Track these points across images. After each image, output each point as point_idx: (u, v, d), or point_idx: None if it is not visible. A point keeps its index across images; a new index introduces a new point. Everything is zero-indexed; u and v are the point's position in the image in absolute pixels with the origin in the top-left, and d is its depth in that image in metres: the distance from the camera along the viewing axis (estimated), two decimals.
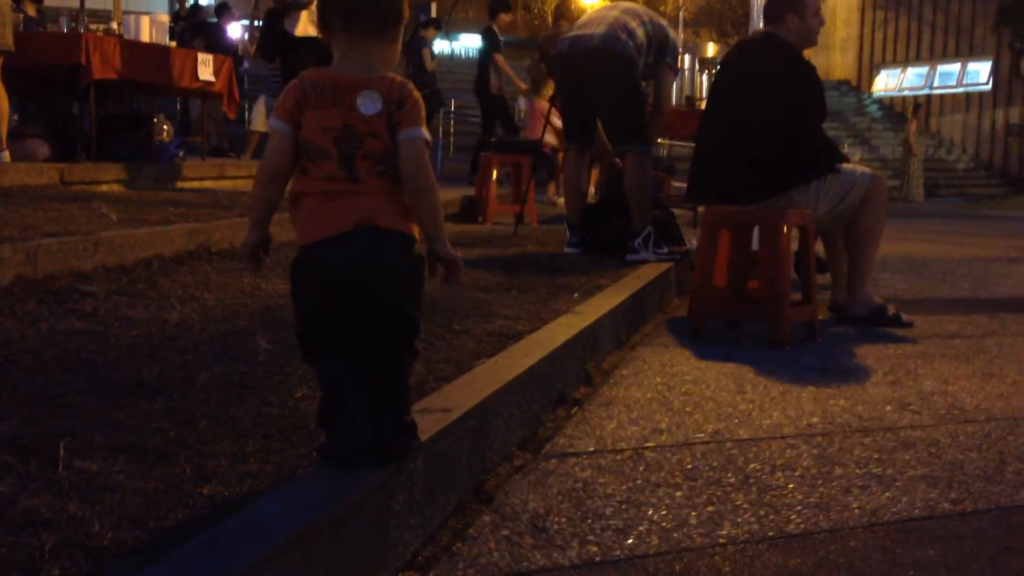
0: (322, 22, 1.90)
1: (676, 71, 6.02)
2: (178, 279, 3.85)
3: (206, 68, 9.00)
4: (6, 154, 6.90)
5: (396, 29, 1.88)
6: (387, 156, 1.81)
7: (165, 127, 8.99)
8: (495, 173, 8.60)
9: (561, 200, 9.04)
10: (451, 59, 32.05)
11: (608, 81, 5.45)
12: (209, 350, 2.71)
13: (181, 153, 9.15)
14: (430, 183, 1.82)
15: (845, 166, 4.56)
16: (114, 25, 8.47)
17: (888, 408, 3.04)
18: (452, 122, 19.15)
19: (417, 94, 1.85)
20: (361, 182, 1.81)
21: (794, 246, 4.26)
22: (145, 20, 8.69)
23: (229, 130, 14.25)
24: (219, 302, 3.44)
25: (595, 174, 10.00)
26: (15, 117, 7.77)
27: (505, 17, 11.74)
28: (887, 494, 2.27)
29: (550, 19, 11.46)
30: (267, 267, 4.28)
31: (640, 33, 5.45)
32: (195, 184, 8.42)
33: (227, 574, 1.35)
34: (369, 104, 1.81)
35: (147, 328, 2.96)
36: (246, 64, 16.40)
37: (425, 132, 1.82)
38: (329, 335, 1.80)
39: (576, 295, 3.99)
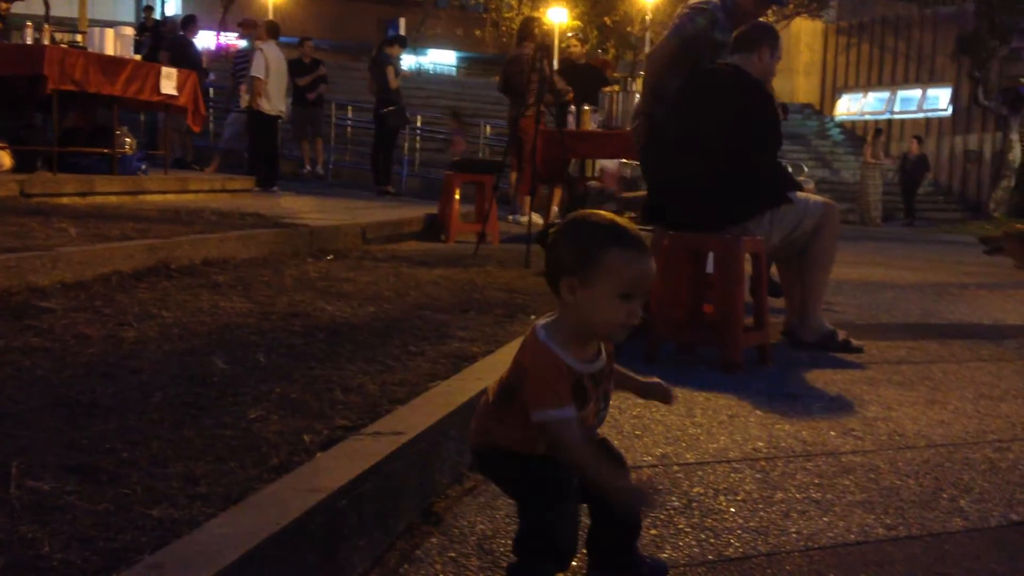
0: None
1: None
2: (136, 296, 3.86)
3: (169, 82, 9.00)
4: None
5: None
6: None
7: (128, 140, 8.97)
8: (458, 192, 8.65)
9: (525, 219, 9.11)
10: (419, 75, 32.16)
11: None
12: (165, 370, 2.74)
13: (144, 166, 9.14)
14: None
15: (799, 195, 4.66)
16: (78, 37, 8.45)
17: (832, 433, 3.12)
18: (418, 139, 19.15)
19: None
20: None
21: (748, 270, 4.35)
22: (110, 33, 8.65)
23: (195, 142, 14.22)
24: (177, 320, 3.46)
25: (558, 194, 10.12)
26: None
27: None
28: (825, 519, 2.34)
29: (515, 39, 11.45)
30: (226, 285, 4.29)
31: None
32: (157, 198, 8.41)
33: None
34: None
35: (103, 346, 2.98)
36: (211, 76, 16.38)
37: None
38: None
39: (533, 316, 4.05)
